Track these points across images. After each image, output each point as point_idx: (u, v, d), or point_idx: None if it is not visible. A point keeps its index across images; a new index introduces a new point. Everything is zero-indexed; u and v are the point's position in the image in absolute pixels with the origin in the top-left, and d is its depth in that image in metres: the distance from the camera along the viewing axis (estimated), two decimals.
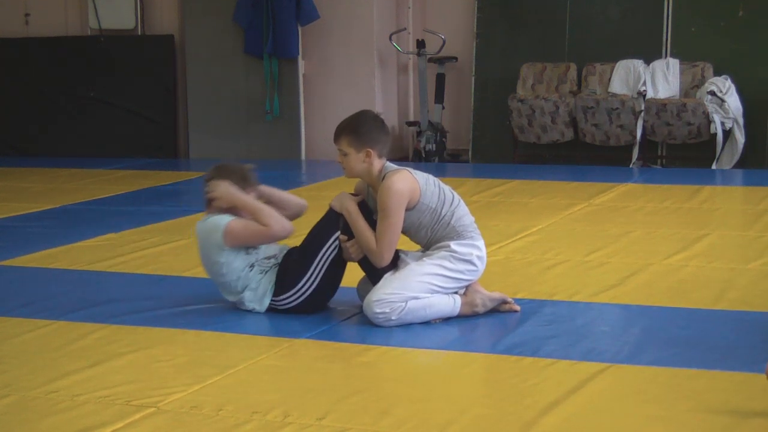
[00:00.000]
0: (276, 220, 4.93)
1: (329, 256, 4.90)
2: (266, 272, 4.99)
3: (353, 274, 4.99)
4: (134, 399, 3.83)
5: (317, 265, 4.90)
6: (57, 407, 3.78)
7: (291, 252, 5.04)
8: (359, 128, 4.81)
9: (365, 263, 4.87)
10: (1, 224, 7.55)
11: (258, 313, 4.98)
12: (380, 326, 4.71)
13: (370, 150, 4.79)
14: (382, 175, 4.81)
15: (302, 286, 4.92)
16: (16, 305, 5.22)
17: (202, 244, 5.01)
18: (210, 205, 5.06)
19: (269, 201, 5.12)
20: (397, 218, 4.74)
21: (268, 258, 5.02)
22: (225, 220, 4.94)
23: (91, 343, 4.59)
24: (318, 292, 4.94)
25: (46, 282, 5.77)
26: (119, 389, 3.94)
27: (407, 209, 4.80)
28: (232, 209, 5.00)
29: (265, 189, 5.16)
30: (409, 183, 4.77)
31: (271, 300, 4.98)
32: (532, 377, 4.02)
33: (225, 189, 4.99)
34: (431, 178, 4.90)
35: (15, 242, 6.83)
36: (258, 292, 4.98)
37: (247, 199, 4.99)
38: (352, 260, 4.90)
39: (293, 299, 4.95)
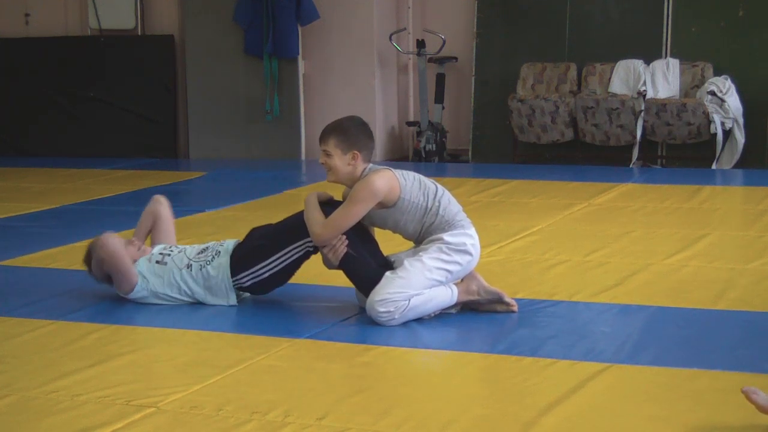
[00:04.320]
0: (103, 242, 5.13)
1: (296, 253, 4.95)
2: (209, 264, 5.07)
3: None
4: (134, 399, 3.83)
5: (282, 255, 4.96)
6: (57, 407, 3.78)
7: (256, 230, 5.11)
8: (348, 130, 4.86)
9: (348, 270, 4.89)
10: (1, 224, 7.55)
11: (257, 313, 4.99)
12: (383, 325, 4.72)
13: (357, 153, 4.82)
14: (364, 175, 4.84)
15: (261, 268, 4.99)
16: (16, 305, 5.22)
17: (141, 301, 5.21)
18: (114, 276, 5.19)
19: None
20: (359, 208, 4.78)
21: (202, 252, 5.13)
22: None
23: (91, 343, 4.59)
24: (272, 279, 5.01)
25: (46, 282, 5.77)
26: (119, 389, 3.94)
27: (387, 206, 4.83)
28: (115, 267, 5.12)
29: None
30: (388, 182, 4.79)
31: (232, 280, 5.05)
32: (532, 377, 4.02)
33: (103, 253, 5.13)
34: (412, 175, 4.94)
35: (15, 242, 6.82)
36: (217, 280, 5.05)
37: (102, 252, 5.14)
38: (332, 267, 4.92)
39: (249, 278, 5.01)
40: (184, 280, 5.08)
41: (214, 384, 4.01)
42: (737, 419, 3.54)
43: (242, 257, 5.03)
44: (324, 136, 4.88)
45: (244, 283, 5.04)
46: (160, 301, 5.14)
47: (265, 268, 4.99)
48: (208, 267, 5.06)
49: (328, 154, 4.84)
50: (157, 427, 3.59)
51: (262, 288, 5.06)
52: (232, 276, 5.03)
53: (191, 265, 5.09)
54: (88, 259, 5.23)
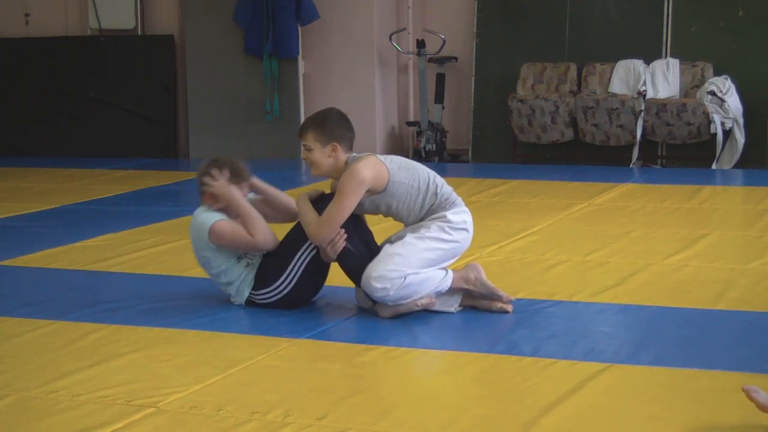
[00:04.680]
0: (262, 232, 4.96)
1: (307, 256, 4.94)
2: (251, 265, 5.05)
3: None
4: (134, 399, 3.83)
5: (295, 264, 4.94)
6: (57, 407, 3.78)
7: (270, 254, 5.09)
8: (325, 123, 4.88)
9: (345, 264, 4.89)
10: (1, 224, 7.55)
11: (257, 312, 4.99)
12: (378, 301, 4.77)
13: (336, 144, 4.84)
14: (348, 164, 4.85)
15: (280, 284, 4.97)
16: (16, 305, 5.22)
17: (193, 238, 5.08)
18: (205, 198, 5.09)
19: (261, 195, 5.17)
20: (350, 200, 4.77)
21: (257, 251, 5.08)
22: (213, 219, 4.99)
23: (91, 343, 4.59)
24: (296, 290, 4.99)
25: (46, 282, 5.77)
26: (119, 389, 3.94)
27: (377, 192, 4.83)
28: (226, 208, 5.04)
29: (258, 183, 5.18)
30: (374, 169, 4.79)
31: (250, 293, 5.03)
32: (532, 377, 4.02)
33: (224, 187, 5.02)
34: (399, 158, 4.96)
35: (15, 242, 6.83)
36: (240, 285, 5.04)
37: (243, 202, 5.02)
38: (330, 260, 4.92)
39: (271, 296, 5.00)
40: (230, 268, 5.03)
41: (214, 384, 4.01)
42: (737, 419, 3.54)
43: (262, 272, 5.01)
44: (302, 131, 4.92)
45: (269, 298, 5.01)
46: (204, 266, 5.10)
47: (283, 284, 4.96)
48: (250, 266, 5.04)
49: (308, 149, 4.87)
50: (157, 427, 3.59)
51: (289, 302, 5.01)
52: (254, 290, 5.03)
53: (241, 257, 5.05)
54: (224, 168, 5.03)
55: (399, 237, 4.88)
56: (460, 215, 4.89)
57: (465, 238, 4.91)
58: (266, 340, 4.58)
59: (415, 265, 4.76)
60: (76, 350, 4.49)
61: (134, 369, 4.21)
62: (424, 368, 4.33)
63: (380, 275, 4.72)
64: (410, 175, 4.87)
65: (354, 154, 4.92)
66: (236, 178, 5.06)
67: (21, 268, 6.12)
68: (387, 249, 4.81)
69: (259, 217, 5.00)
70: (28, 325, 4.86)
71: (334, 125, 4.88)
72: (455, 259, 4.96)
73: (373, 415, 3.66)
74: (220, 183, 5.02)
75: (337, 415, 3.65)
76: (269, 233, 4.99)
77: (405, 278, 4.73)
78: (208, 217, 5.01)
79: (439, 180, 4.94)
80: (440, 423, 3.58)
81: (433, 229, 4.83)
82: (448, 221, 4.84)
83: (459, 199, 4.96)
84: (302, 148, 4.94)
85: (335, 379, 4.11)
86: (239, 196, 5.03)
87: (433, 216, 4.87)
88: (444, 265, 4.89)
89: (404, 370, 4.27)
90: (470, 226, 4.94)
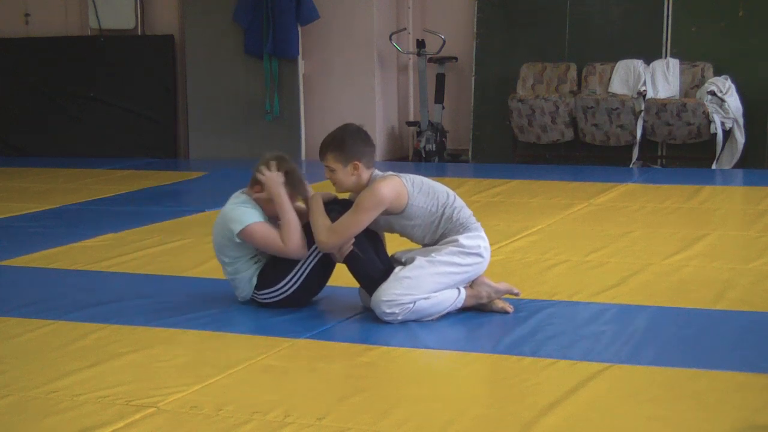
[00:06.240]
0: (295, 242, 4.87)
1: (315, 258, 4.93)
2: (260, 262, 5.02)
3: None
4: (134, 399, 3.84)
5: (302, 266, 4.93)
6: (57, 407, 3.78)
7: None
8: (344, 142, 4.82)
9: (351, 267, 4.88)
10: (1, 224, 7.55)
11: (257, 312, 4.99)
12: (386, 322, 4.74)
13: (358, 162, 4.80)
14: (371, 181, 4.83)
15: (284, 285, 4.96)
16: (16, 305, 5.22)
17: (219, 223, 5.01)
18: (252, 186, 5.03)
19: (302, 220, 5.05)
20: (366, 216, 4.75)
21: None
22: (251, 219, 4.91)
23: (91, 343, 4.59)
24: (299, 291, 4.98)
25: (46, 282, 5.77)
26: (119, 389, 3.94)
27: (394, 213, 4.81)
28: (268, 204, 4.97)
29: (302, 208, 5.07)
30: (395, 189, 4.77)
31: (253, 293, 5.02)
32: (532, 377, 4.02)
33: (274, 181, 4.94)
34: (420, 180, 4.89)
35: (15, 242, 6.82)
36: (242, 282, 5.02)
37: (286, 204, 4.92)
38: (337, 261, 4.93)
39: (274, 295, 4.99)
40: (242, 263, 4.99)
41: (214, 384, 4.01)
42: (737, 419, 3.54)
43: (266, 272, 5.00)
44: (322, 152, 4.86)
45: (272, 298, 4.99)
46: (217, 251, 5.04)
47: (287, 284, 4.96)
48: (259, 263, 5.00)
49: (330, 170, 4.84)
50: (157, 427, 3.59)
51: (291, 302, 5.00)
52: (257, 290, 5.02)
53: (255, 255, 5.00)
54: (283, 168, 4.96)
55: (410, 257, 4.85)
56: (475, 240, 4.82)
57: (478, 264, 4.84)
58: (266, 340, 4.58)
59: (425, 289, 4.73)
60: (76, 350, 4.49)
61: (134, 369, 4.21)
62: (424, 368, 4.32)
63: (390, 299, 4.71)
64: (429, 199, 4.82)
65: (377, 171, 4.89)
66: (291, 186, 4.97)
67: (21, 268, 6.12)
68: (396, 272, 4.77)
69: (297, 226, 4.90)
70: (28, 325, 4.86)
71: (353, 143, 4.82)
72: (468, 282, 4.92)
73: (373, 415, 3.66)
74: (273, 175, 4.95)
75: (337, 415, 3.65)
76: (301, 243, 4.89)
77: (414, 303, 4.72)
78: (245, 214, 4.93)
79: (458, 203, 4.88)
80: (440, 423, 3.58)
81: (444, 253, 4.78)
82: (461, 245, 4.79)
83: (477, 224, 4.90)
84: (325, 168, 4.86)
85: (335, 379, 4.11)
86: (285, 196, 4.93)
87: (446, 240, 4.84)
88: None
89: (404, 370, 4.27)
90: (485, 251, 4.87)
